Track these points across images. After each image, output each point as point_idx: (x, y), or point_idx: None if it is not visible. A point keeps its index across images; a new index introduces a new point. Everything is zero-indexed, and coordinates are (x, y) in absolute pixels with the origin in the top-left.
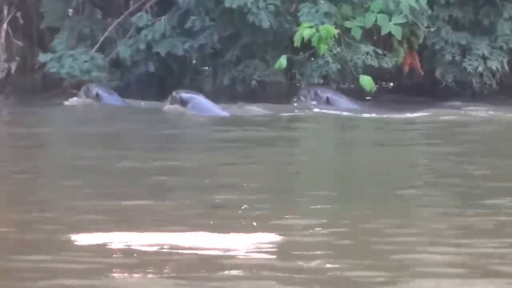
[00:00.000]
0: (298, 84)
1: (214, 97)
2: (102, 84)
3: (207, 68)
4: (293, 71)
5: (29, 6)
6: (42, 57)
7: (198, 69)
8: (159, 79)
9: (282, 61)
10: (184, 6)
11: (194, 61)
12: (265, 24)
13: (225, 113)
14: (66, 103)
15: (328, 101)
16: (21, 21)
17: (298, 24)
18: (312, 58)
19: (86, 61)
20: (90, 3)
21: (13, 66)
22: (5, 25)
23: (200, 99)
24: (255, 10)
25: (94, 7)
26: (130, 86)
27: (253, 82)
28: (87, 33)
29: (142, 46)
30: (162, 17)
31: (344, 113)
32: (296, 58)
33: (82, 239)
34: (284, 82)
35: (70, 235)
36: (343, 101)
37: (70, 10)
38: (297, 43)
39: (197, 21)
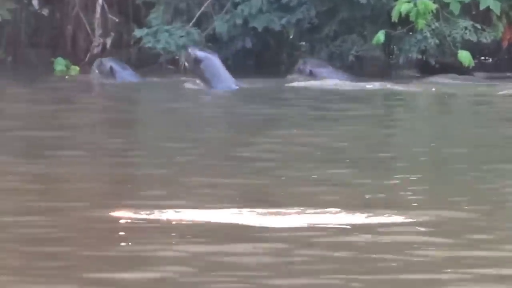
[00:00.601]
0: (395, 59)
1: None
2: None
3: (304, 43)
4: (391, 46)
5: None
6: (138, 32)
7: (295, 44)
8: (256, 54)
9: (380, 36)
10: None
11: (291, 36)
12: None
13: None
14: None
15: (311, 74)
16: None
17: None
18: (410, 33)
19: (182, 36)
20: None
21: (109, 41)
22: (100, 0)
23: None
24: None
25: None
26: (227, 62)
27: (351, 58)
28: (183, 8)
29: (239, 21)
30: None
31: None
32: (394, 33)
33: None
34: (382, 57)
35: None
36: (325, 73)
37: None
38: (394, 18)
39: None
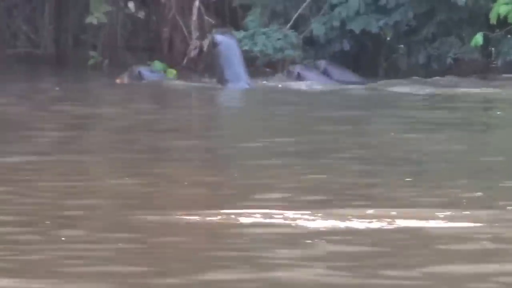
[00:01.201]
0: (494, 62)
1: (409, 75)
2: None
3: (402, 46)
4: (489, 48)
5: None
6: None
7: (393, 46)
8: (353, 57)
9: (478, 38)
10: None
11: (388, 39)
12: (461, 1)
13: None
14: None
15: (299, 77)
16: None
17: (494, 1)
18: (509, 35)
19: (279, 39)
20: None
21: (205, 44)
22: (197, 2)
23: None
24: None
25: None
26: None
27: (449, 60)
28: (280, 10)
29: (336, 24)
30: None
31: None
32: (492, 35)
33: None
34: (480, 59)
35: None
36: (313, 76)
37: None
38: (493, 20)
39: None
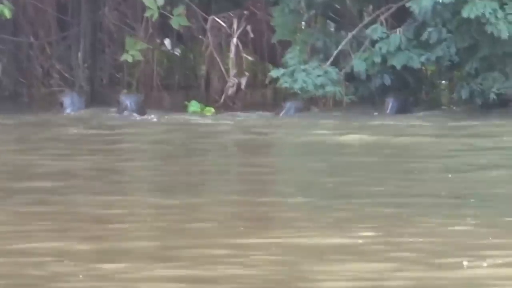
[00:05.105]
0: None
1: (452, 111)
2: None
3: (444, 81)
4: None
5: (260, 20)
6: (274, 73)
7: (435, 82)
8: (394, 92)
9: None
10: (420, 18)
11: (430, 74)
12: (504, 35)
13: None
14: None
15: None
16: (251, 35)
17: None
18: None
19: (319, 76)
20: (323, 16)
21: (243, 81)
22: (235, 39)
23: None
24: (493, 21)
25: (327, 20)
26: (365, 100)
27: (492, 95)
28: (320, 47)
29: (377, 59)
30: (398, 29)
31: None
32: None
33: None
34: None
35: None
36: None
37: (302, 23)
38: None
39: (434, 33)
